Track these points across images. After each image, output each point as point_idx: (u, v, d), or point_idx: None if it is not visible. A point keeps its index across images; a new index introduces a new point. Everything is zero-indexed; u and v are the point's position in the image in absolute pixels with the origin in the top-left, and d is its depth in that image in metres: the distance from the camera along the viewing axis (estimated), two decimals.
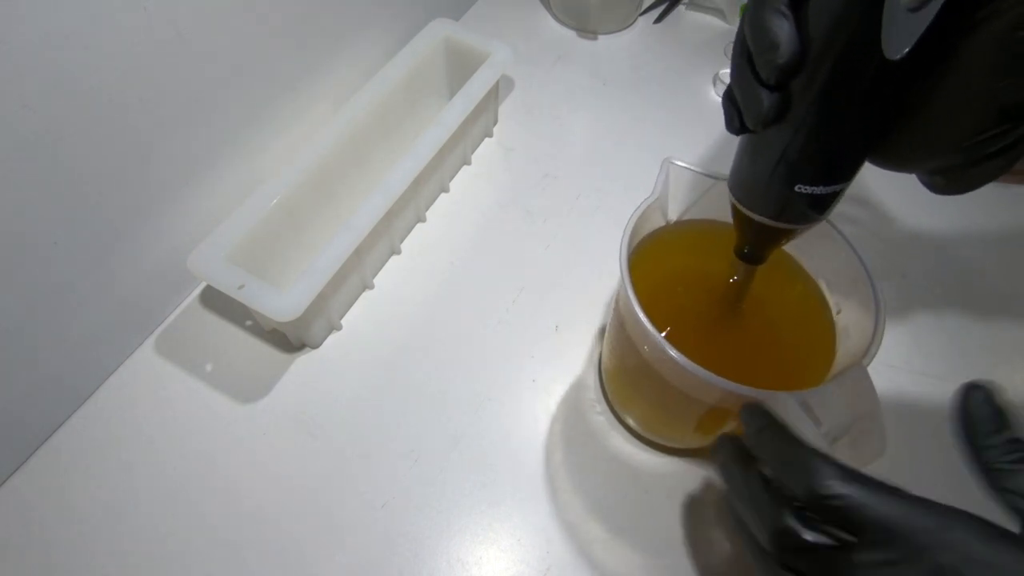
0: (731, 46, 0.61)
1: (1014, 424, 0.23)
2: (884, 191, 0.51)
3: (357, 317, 0.44)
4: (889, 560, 0.20)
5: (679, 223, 0.34)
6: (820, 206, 0.25)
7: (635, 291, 0.28)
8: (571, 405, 0.40)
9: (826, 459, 0.22)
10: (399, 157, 0.42)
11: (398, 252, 0.47)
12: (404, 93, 0.49)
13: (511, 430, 0.39)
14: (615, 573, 0.35)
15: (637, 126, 0.55)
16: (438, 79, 0.53)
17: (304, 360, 0.42)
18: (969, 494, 0.37)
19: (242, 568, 0.34)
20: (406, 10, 0.53)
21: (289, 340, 0.42)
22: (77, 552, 0.35)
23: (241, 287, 0.36)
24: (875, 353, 0.27)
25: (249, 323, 0.43)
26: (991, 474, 0.22)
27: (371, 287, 0.45)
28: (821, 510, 0.22)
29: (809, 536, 0.22)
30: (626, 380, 0.36)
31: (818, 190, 0.24)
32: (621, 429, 0.39)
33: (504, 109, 0.56)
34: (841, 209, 0.50)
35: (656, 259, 0.33)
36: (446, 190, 0.50)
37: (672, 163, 0.32)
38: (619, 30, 0.63)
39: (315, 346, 0.42)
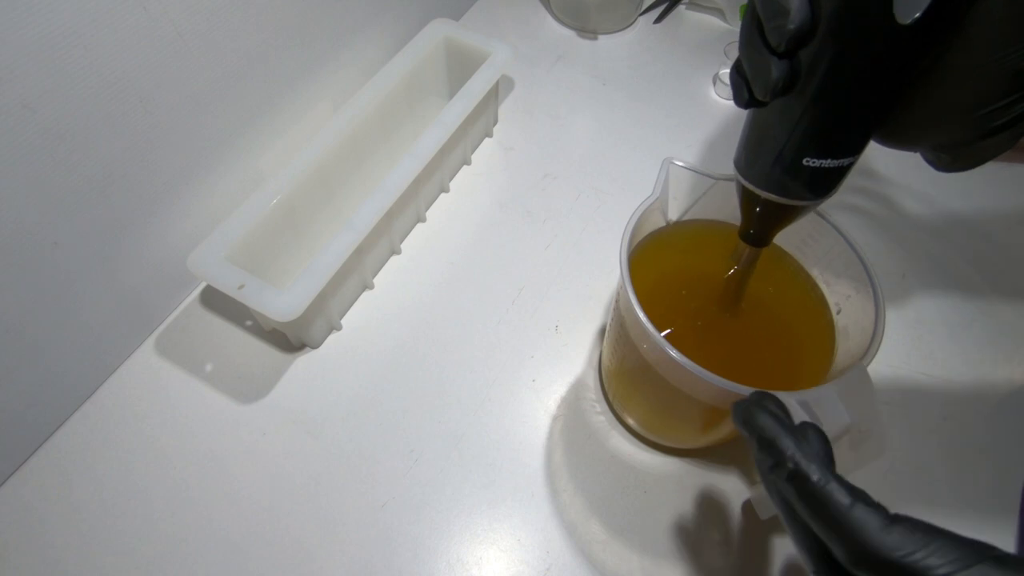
0: (731, 46, 0.61)
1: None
2: (885, 190, 0.51)
3: (357, 317, 0.44)
4: None
5: (679, 223, 0.34)
6: (828, 181, 0.24)
7: (635, 291, 0.28)
8: (571, 405, 0.40)
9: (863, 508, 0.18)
10: (399, 157, 0.42)
11: (398, 252, 0.47)
12: (404, 93, 0.49)
13: (511, 430, 0.39)
14: (615, 573, 0.35)
15: (637, 126, 0.55)
16: (438, 79, 0.53)
17: (304, 360, 0.42)
18: (970, 494, 0.37)
19: (242, 568, 0.34)
20: (406, 10, 0.53)
21: (289, 340, 0.42)
22: (78, 551, 0.35)
23: (241, 287, 0.36)
24: (875, 353, 0.27)
25: (249, 323, 0.43)
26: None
27: (371, 287, 0.45)
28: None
29: None
30: (626, 380, 0.36)
31: (827, 163, 0.23)
32: (621, 429, 0.39)
33: (504, 109, 0.56)
34: (842, 203, 0.50)
35: (656, 259, 0.33)
36: (446, 190, 0.50)
37: (672, 163, 0.32)
38: (619, 30, 0.63)
39: (315, 346, 0.42)
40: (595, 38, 0.62)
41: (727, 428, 0.33)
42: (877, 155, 0.52)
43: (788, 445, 0.21)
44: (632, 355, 0.31)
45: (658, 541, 0.36)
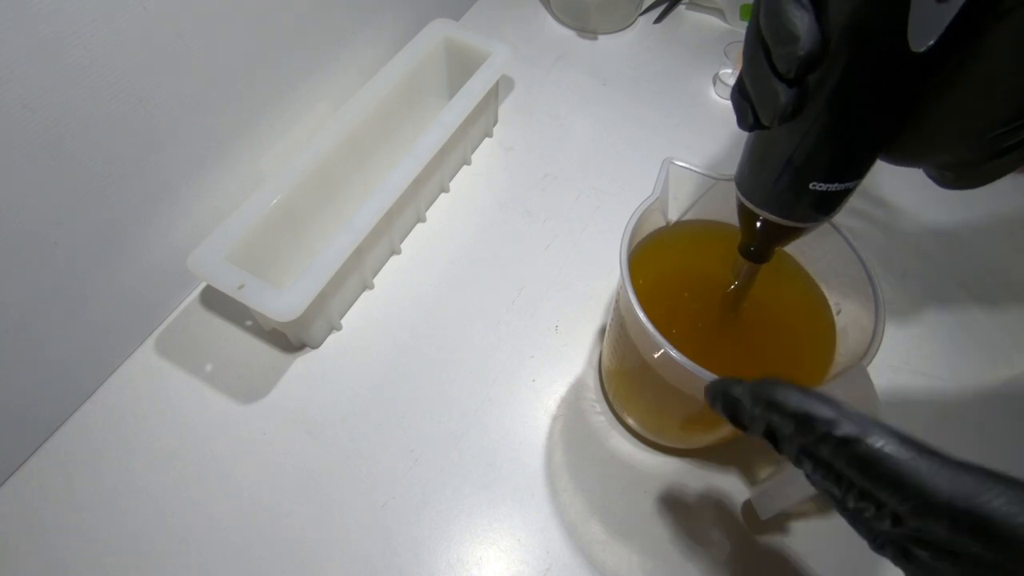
0: (731, 46, 0.61)
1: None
2: (885, 189, 0.51)
3: (357, 317, 0.44)
4: None
5: (679, 223, 0.34)
6: (832, 204, 0.24)
7: (635, 291, 0.28)
8: (571, 405, 0.40)
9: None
10: (399, 157, 0.42)
11: (398, 252, 0.47)
12: (404, 93, 0.49)
13: (511, 430, 0.39)
14: (615, 573, 0.35)
15: (637, 126, 0.55)
16: (438, 79, 0.53)
17: (304, 360, 0.42)
18: None
19: (242, 567, 0.34)
20: (406, 10, 0.53)
21: (289, 340, 0.42)
22: (78, 550, 0.35)
23: (241, 287, 0.36)
24: (875, 353, 0.27)
25: (249, 323, 0.43)
26: None
27: (371, 287, 0.45)
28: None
29: None
30: (626, 380, 0.36)
31: (832, 187, 0.23)
32: (621, 429, 0.39)
33: (504, 109, 0.56)
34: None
35: (656, 259, 0.33)
36: (446, 190, 0.50)
37: (672, 163, 0.32)
38: (619, 30, 0.63)
39: (315, 346, 0.42)
40: (595, 38, 0.62)
41: (727, 428, 0.33)
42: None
43: (827, 412, 0.19)
44: (632, 355, 0.31)
45: (658, 541, 0.36)
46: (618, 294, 0.32)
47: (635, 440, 0.39)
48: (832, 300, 0.32)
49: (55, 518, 0.36)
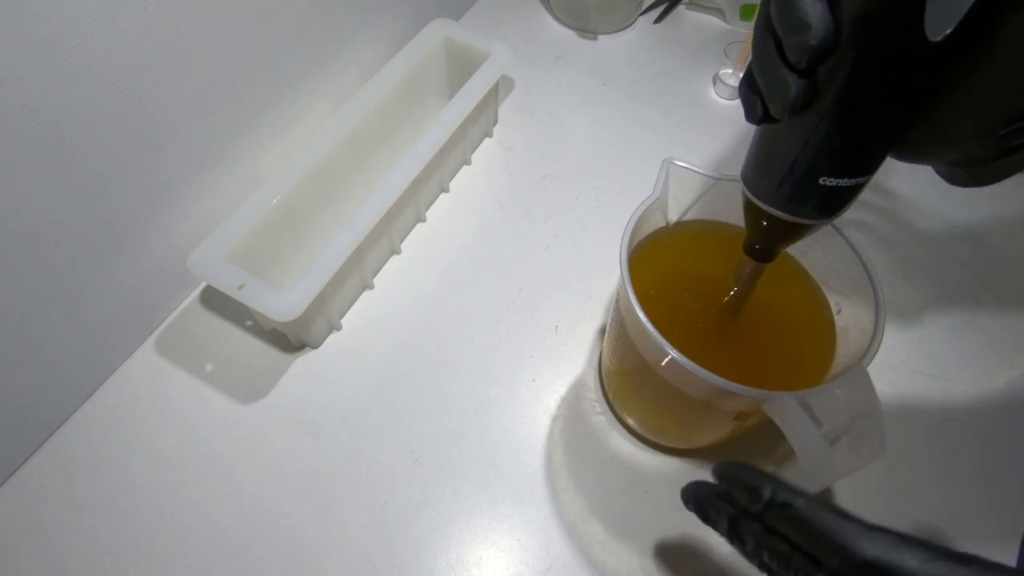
0: (731, 46, 0.61)
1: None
2: (885, 189, 0.51)
3: (357, 317, 0.44)
4: None
5: (679, 223, 0.34)
6: (841, 200, 0.24)
7: (635, 291, 0.28)
8: (571, 405, 0.40)
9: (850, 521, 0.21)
10: (399, 157, 0.42)
11: (398, 252, 0.47)
12: (404, 93, 0.49)
13: (511, 430, 0.39)
14: (615, 573, 0.35)
15: (637, 126, 0.55)
16: (438, 79, 0.53)
17: (304, 360, 0.42)
18: (970, 494, 0.37)
19: (242, 567, 0.34)
20: (406, 10, 0.53)
21: (289, 340, 0.42)
22: (78, 550, 0.35)
23: (241, 287, 0.36)
24: (875, 353, 0.27)
25: (249, 323, 0.43)
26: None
27: (371, 287, 0.45)
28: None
29: None
30: (626, 380, 0.36)
31: (843, 182, 0.23)
32: (621, 429, 0.39)
33: (504, 109, 0.56)
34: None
35: (656, 259, 0.33)
36: (446, 190, 0.50)
37: (672, 163, 0.32)
38: (619, 30, 0.63)
39: (315, 346, 0.42)
40: (595, 38, 0.62)
41: (727, 428, 0.33)
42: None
43: (768, 482, 0.23)
44: (632, 355, 0.31)
45: (658, 541, 0.36)
46: (618, 294, 0.32)
47: (635, 440, 0.39)
48: (832, 300, 0.32)
49: (55, 518, 0.36)
